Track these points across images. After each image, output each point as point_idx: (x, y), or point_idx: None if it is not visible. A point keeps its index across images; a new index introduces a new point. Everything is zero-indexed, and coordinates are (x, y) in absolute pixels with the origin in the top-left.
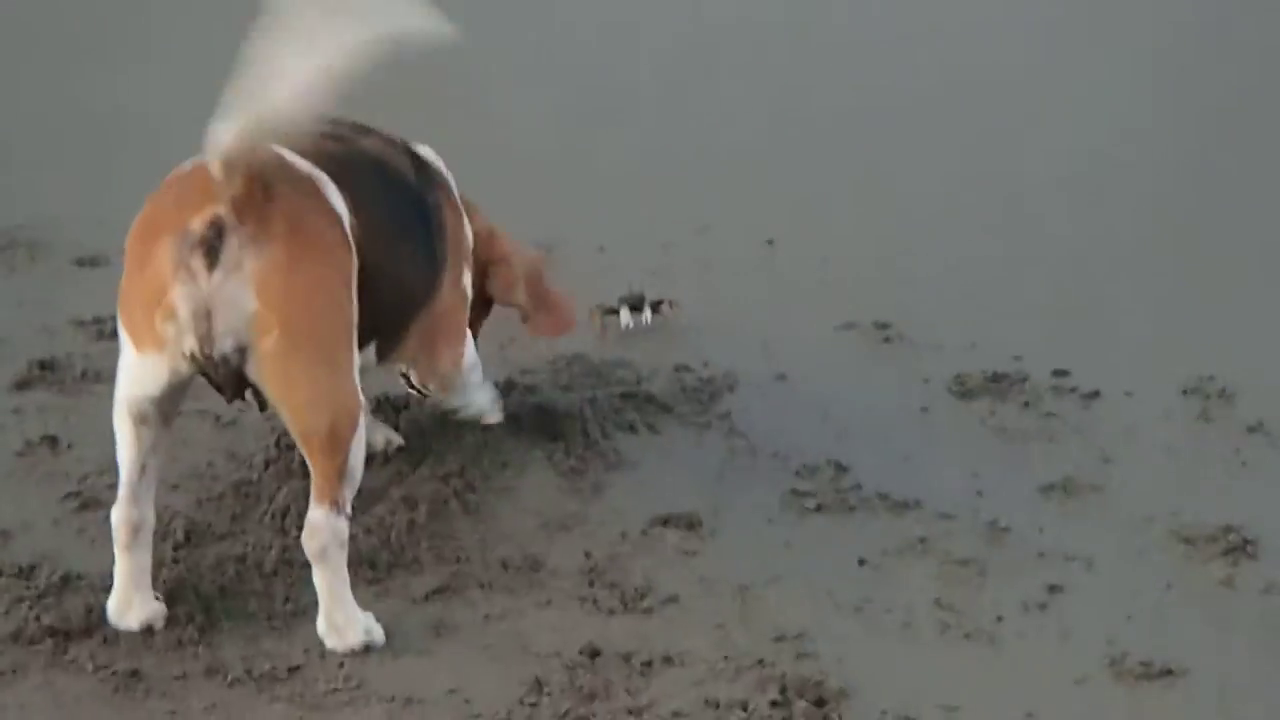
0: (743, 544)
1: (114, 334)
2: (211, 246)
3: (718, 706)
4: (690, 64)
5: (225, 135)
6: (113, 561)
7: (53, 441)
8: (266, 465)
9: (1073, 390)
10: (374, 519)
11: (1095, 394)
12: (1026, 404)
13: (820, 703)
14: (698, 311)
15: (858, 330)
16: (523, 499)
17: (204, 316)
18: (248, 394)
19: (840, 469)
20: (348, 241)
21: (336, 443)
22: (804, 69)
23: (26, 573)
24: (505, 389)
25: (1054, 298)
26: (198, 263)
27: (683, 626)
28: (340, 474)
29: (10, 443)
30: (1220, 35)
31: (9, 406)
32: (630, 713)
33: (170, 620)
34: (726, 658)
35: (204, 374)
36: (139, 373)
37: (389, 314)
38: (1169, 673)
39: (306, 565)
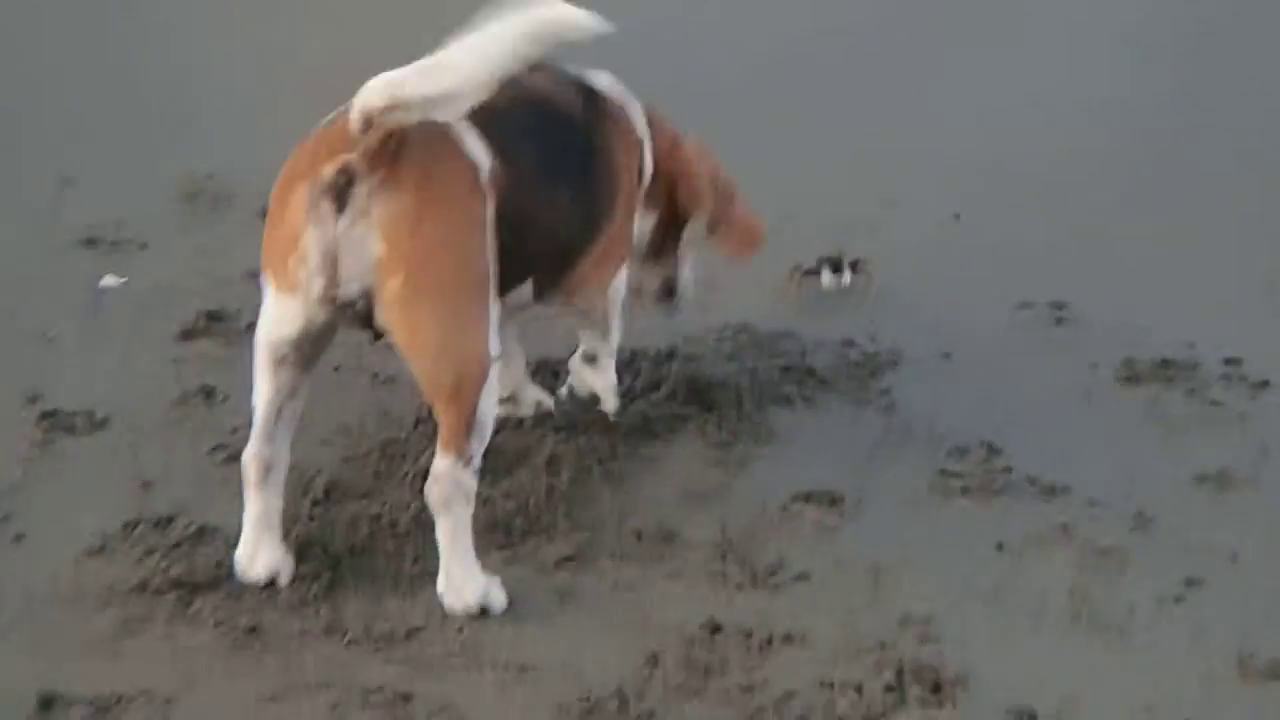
0: (883, 524)
1: None
2: (341, 193)
3: (832, 687)
4: (881, 38)
5: (374, 92)
6: None
7: (209, 393)
8: (416, 425)
9: (1242, 379)
10: (514, 484)
11: (1264, 384)
12: (1192, 391)
13: (936, 688)
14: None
15: (1032, 310)
16: (666, 469)
17: (332, 260)
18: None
19: (993, 452)
20: (481, 192)
21: (462, 392)
22: (991, 48)
23: (163, 524)
24: (666, 357)
25: (1236, 284)
26: (327, 208)
27: (808, 605)
28: (466, 425)
29: (167, 392)
30: None
31: (171, 356)
32: (743, 690)
33: (296, 577)
34: (848, 639)
35: (337, 317)
36: (278, 315)
37: (542, 258)
38: None
39: None
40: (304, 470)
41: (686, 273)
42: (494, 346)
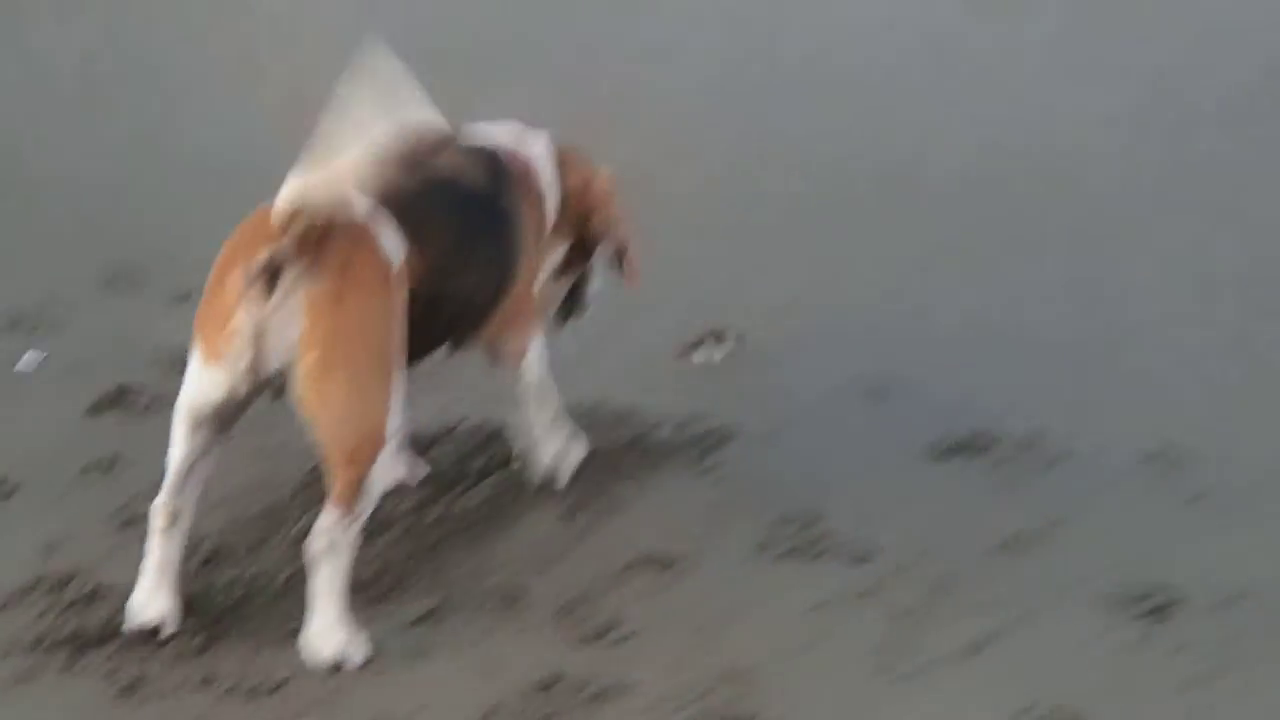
0: (711, 586)
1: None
2: (272, 276)
3: None
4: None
5: (291, 189)
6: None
7: (113, 462)
8: (292, 496)
9: (1042, 452)
10: (377, 549)
11: (1063, 456)
12: (995, 464)
13: None
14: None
15: (859, 386)
16: (518, 535)
17: (260, 336)
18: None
19: (813, 521)
20: (394, 283)
21: (358, 457)
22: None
23: (60, 584)
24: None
25: (1043, 358)
26: (259, 290)
27: (639, 660)
28: (357, 486)
29: (74, 463)
30: None
31: (81, 428)
32: None
33: (178, 632)
34: (673, 691)
35: (257, 389)
36: (203, 383)
37: (456, 326)
38: None
39: None
40: (193, 537)
41: (592, 289)
42: (394, 423)
